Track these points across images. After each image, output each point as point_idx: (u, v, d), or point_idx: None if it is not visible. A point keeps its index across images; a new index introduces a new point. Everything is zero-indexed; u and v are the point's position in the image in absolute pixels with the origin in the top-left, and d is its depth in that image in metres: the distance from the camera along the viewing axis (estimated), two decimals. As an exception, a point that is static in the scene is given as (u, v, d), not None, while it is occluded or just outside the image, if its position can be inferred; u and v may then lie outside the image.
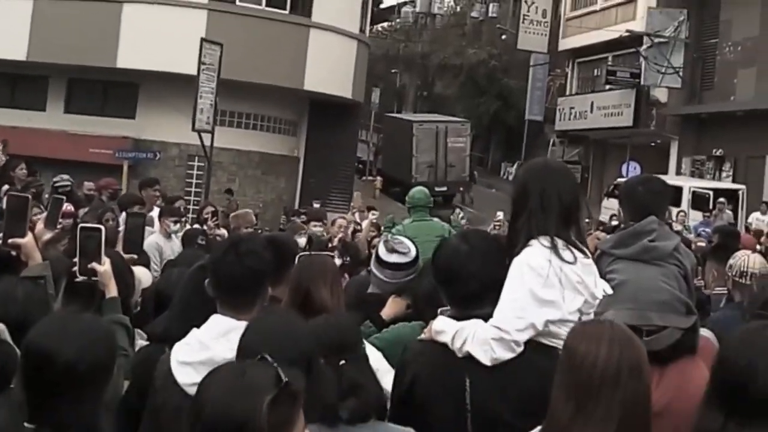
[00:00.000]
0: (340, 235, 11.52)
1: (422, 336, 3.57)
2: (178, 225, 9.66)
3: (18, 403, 2.49)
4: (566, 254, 3.37)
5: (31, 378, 2.50)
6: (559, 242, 3.38)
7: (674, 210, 20.78)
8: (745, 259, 5.54)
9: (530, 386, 3.20)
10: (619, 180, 27.56)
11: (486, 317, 3.31)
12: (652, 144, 34.28)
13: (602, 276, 3.99)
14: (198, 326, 3.44)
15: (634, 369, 2.52)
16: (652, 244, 4.15)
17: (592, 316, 3.51)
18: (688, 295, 4.17)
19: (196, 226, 10.81)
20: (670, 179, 26.13)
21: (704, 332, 4.34)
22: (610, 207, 26.82)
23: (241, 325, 3.33)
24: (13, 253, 4.17)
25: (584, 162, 40.89)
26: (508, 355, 3.25)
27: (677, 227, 18.98)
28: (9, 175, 12.07)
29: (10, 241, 4.13)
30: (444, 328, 3.35)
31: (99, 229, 4.06)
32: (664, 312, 4.02)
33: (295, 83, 29.37)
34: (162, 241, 9.21)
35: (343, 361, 3.11)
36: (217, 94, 23.31)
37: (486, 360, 3.25)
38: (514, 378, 3.26)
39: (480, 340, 3.26)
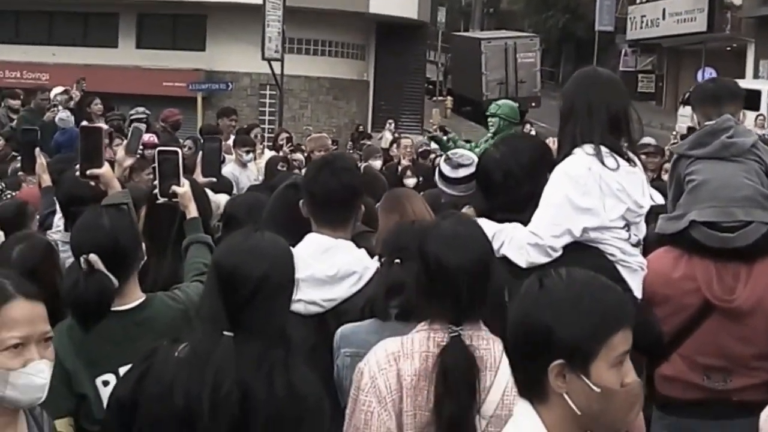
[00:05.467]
0: (408, 156, 11.70)
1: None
2: (250, 154, 9.71)
3: (211, 315, 2.66)
4: (609, 161, 3.41)
5: (227, 293, 2.63)
6: (604, 149, 3.42)
7: (752, 114, 20.37)
8: None
9: None
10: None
11: (525, 223, 3.41)
12: (728, 48, 33.66)
13: (682, 179, 4.02)
14: (293, 244, 3.52)
15: None
16: (730, 140, 3.98)
17: (641, 224, 3.57)
18: None
19: (273, 152, 10.99)
20: (748, 83, 25.72)
21: None
22: (685, 115, 26.45)
23: (338, 243, 3.47)
24: (92, 183, 4.19)
25: (658, 71, 40.31)
26: (544, 260, 3.34)
27: (758, 131, 18.63)
28: (86, 111, 12.32)
29: (88, 172, 4.13)
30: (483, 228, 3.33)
31: (176, 152, 4.10)
32: (747, 207, 3.87)
33: (359, 6, 29.49)
34: (237, 171, 9.31)
35: (397, 260, 3.17)
36: (284, 22, 23.47)
37: (522, 263, 3.36)
38: None
39: (517, 243, 3.38)
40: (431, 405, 2.68)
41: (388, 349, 2.78)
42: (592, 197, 3.38)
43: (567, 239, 3.36)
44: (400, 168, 11.05)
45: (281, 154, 10.62)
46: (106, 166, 4.17)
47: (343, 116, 31.70)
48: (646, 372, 4.04)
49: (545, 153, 3.69)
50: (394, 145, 13.89)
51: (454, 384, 2.65)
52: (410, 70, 33.68)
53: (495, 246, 3.29)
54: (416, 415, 2.70)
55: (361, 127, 25.67)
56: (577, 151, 3.45)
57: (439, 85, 45.04)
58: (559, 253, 3.36)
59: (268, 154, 10.69)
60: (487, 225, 3.41)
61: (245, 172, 9.43)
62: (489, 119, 9.60)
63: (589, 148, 3.43)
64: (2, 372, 2.29)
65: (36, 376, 2.34)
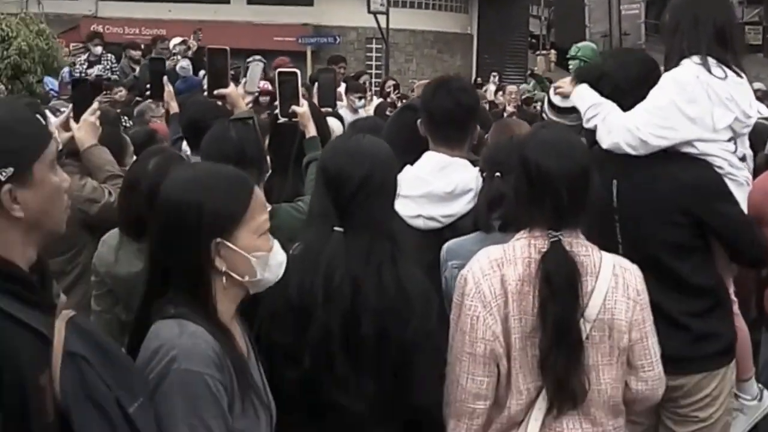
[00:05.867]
0: (513, 103, 11.99)
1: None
2: (362, 100, 9.92)
3: (321, 212, 2.76)
4: (717, 71, 3.38)
5: (333, 192, 2.72)
6: (711, 60, 3.40)
7: None
8: None
9: (668, 194, 3.35)
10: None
11: None
12: (841, -4, 32.67)
13: None
14: (411, 163, 3.58)
15: None
16: None
17: (746, 139, 3.54)
18: None
19: (381, 100, 11.39)
20: None
21: None
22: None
23: (455, 161, 3.55)
24: (219, 103, 4.30)
25: (766, 22, 39.33)
26: (626, 149, 3.36)
27: None
28: (203, 60, 12.64)
29: (215, 92, 4.22)
30: (585, 94, 3.52)
31: (295, 73, 4.14)
32: None
33: (462, -41, 29.29)
34: (349, 117, 9.02)
35: (498, 174, 3.26)
36: (390, -25, 23.74)
37: (605, 142, 3.40)
38: (653, 184, 3.35)
39: (610, 122, 3.40)
40: (536, 310, 2.68)
41: (491, 255, 2.78)
42: (700, 105, 3.35)
43: (663, 143, 3.35)
44: (505, 115, 10.95)
45: (389, 100, 10.88)
46: (232, 86, 4.29)
47: (447, 70, 31.41)
48: (757, 295, 4.11)
49: (653, 68, 3.63)
50: (499, 93, 14.21)
51: (557, 288, 2.64)
52: (513, 24, 33.52)
53: (589, 114, 3.44)
54: (522, 319, 2.70)
55: (479, 79, 25.93)
56: (684, 62, 3.44)
57: (543, 39, 44.75)
58: (643, 152, 3.35)
59: (376, 101, 10.93)
60: (588, 93, 3.54)
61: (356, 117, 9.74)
62: (569, 62, 9.26)
63: (696, 58, 3.42)
64: (264, 255, 2.38)
65: (279, 254, 2.44)
